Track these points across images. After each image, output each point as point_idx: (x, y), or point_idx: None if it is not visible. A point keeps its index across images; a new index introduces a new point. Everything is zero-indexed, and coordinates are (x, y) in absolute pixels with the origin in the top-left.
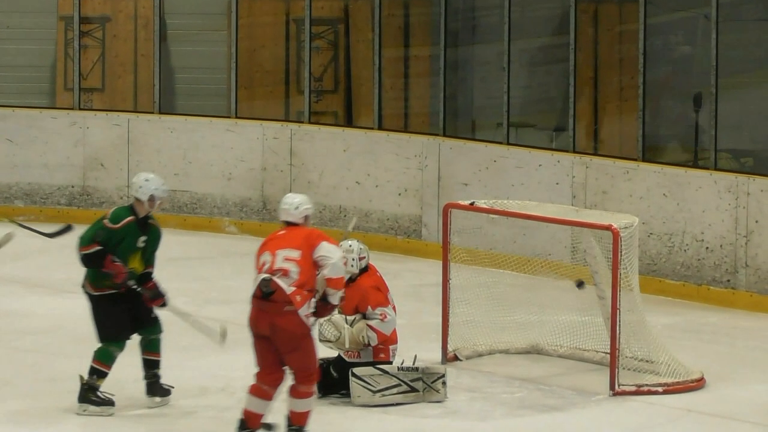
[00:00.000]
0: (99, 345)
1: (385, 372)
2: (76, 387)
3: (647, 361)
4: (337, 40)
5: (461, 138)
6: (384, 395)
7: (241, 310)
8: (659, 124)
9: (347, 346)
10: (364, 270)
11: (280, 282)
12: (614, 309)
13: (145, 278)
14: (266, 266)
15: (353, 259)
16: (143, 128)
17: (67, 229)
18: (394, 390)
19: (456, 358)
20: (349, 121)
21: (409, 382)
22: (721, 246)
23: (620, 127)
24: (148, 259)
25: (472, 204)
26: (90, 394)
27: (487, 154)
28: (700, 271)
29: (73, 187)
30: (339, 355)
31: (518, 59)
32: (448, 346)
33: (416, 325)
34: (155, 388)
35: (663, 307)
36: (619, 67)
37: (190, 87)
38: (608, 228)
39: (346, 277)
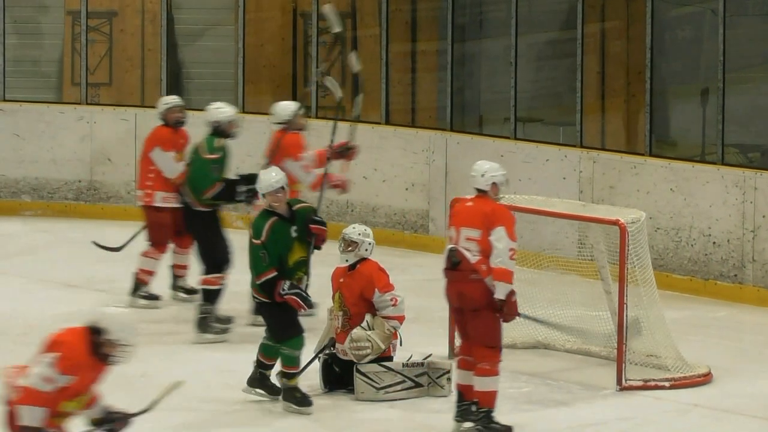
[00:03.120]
0: (281, 349)
1: (390, 369)
2: None
3: (654, 356)
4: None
5: (468, 133)
6: (388, 392)
7: (248, 304)
8: (666, 118)
9: (383, 346)
10: (364, 258)
11: (466, 252)
12: (621, 304)
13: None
14: (452, 240)
15: (369, 244)
16: (150, 123)
17: None
18: (398, 387)
19: None
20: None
21: (413, 378)
22: (728, 241)
23: (627, 122)
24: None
25: None
26: (293, 393)
27: (494, 148)
28: (707, 266)
29: (80, 181)
30: None
31: (525, 54)
32: (455, 341)
33: (423, 319)
34: (258, 382)
35: (670, 301)
36: (626, 62)
37: (197, 82)
38: (615, 223)
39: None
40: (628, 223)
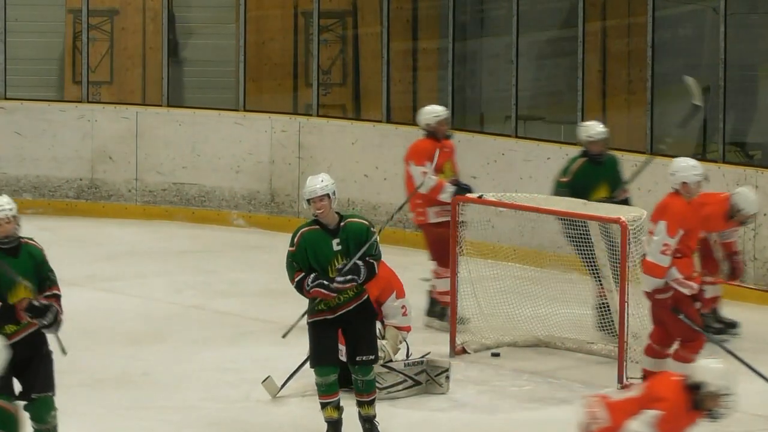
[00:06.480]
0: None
1: (392, 369)
2: (86, 380)
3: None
4: (346, 33)
5: (470, 131)
6: (389, 392)
7: (250, 302)
8: (667, 117)
9: (394, 357)
10: None
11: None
12: (622, 302)
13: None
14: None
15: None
16: (151, 121)
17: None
18: (400, 387)
19: (464, 351)
20: (357, 114)
21: (413, 376)
22: None
23: (628, 120)
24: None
25: (480, 197)
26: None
27: (495, 147)
28: None
29: (81, 180)
30: None
31: (526, 52)
32: (456, 339)
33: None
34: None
35: None
36: (627, 60)
37: (198, 80)
38: (616, 221)
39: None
40: (629, 221)
